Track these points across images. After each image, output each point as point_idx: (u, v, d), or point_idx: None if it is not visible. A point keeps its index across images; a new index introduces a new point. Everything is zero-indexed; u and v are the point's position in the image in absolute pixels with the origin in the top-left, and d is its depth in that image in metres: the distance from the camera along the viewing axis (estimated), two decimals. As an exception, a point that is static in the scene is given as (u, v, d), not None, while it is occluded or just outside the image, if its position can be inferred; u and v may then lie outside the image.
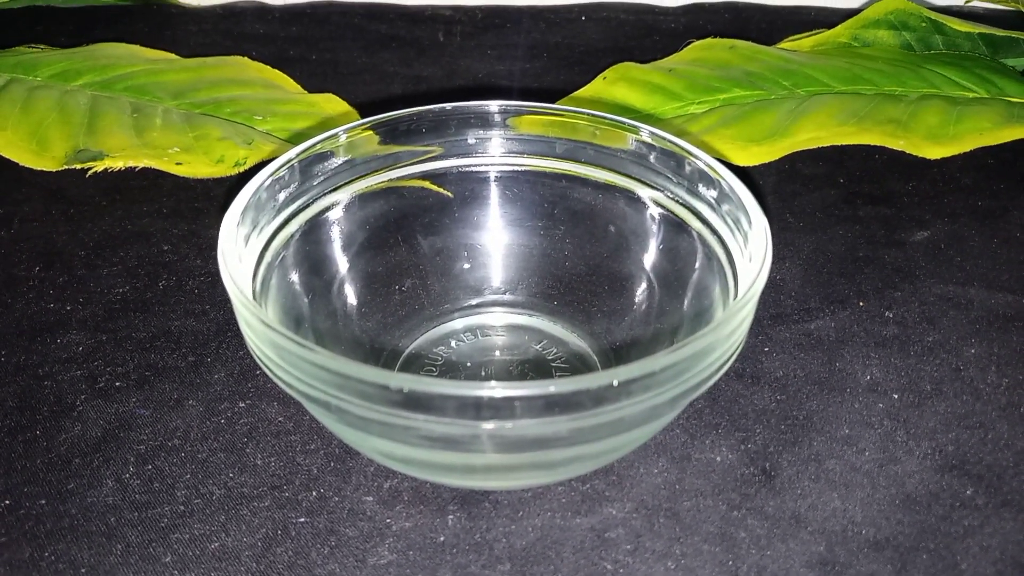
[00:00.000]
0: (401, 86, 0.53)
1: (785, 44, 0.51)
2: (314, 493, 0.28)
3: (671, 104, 0.46)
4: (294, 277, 0.30)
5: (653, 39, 0.57)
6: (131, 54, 0.50)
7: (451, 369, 0.32)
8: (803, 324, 0.35)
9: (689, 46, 0.50)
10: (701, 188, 0.30)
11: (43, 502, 0.28)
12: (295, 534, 0.27)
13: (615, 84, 0.47)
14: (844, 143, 0.39)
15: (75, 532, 0.27)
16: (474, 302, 0.34)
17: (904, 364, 0.33)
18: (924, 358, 0.33)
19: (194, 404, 0.31)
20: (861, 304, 0.36)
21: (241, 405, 0.31)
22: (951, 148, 0.39)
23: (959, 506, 0.28)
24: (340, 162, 0.32)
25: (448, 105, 0.33)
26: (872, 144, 0.40)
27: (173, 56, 0.51)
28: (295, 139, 0.44)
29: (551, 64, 0.55)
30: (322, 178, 0.32)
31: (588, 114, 0.33)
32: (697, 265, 0.31)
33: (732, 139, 0.42)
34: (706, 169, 0.30)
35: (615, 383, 0.21)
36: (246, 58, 0.51)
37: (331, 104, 0.47)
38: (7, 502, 0.28)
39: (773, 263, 0.38)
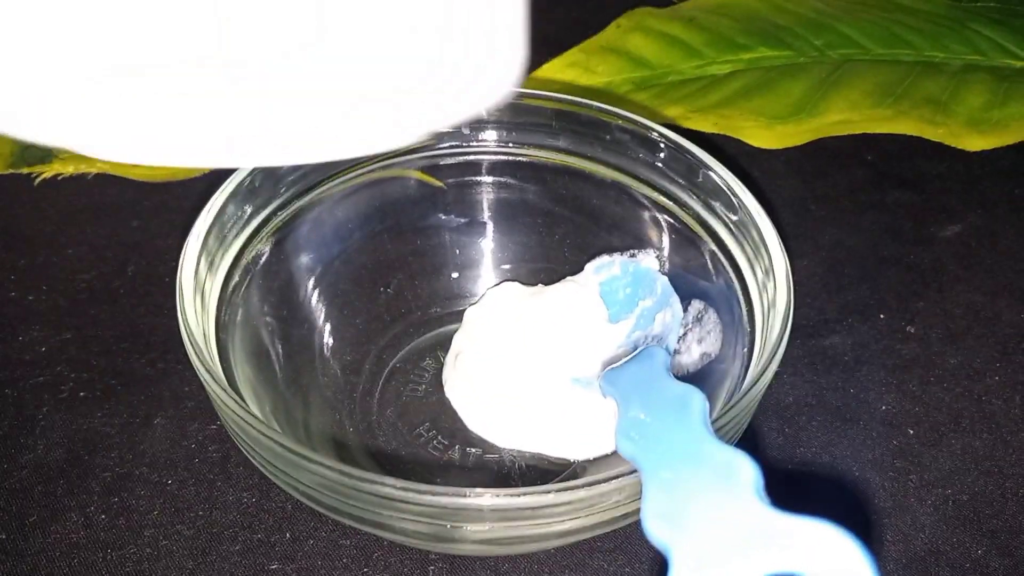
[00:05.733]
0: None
1: (819, -13, 0.46)
2: (288, 535, 0.26)
3: (690, 62, 0.42)
4: (266, 295, 0.28)
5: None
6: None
7: (436, 387, 0.30)
8: (819, 340, 0.32)
9: (714, -13, 0.46)
10: (718, 207, 0.28)
11: (3, 536, 0.26)
12: (267, 582, 0.25)
13: (630, 34, 0.43)
14: (877, 131, 0.36)
15: (36, 574, 0.25)
16: (463, 308, 0.32)
17: (922, 391, 0.31)
18: (944, 384, 0.31)
19: (163, 423, 0.29)
20: (882, 317, 0.33)
21: (212, 428, 0.29)
22: (993, 139, 0.36)
23: (969, 568, 0.26)
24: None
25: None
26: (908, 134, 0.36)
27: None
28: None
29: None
30: (292, 179, 0.28)
31: (597, 108, 0.29)
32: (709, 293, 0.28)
33: (755, 114, 0.38)
34: (727, 193, 0.27)
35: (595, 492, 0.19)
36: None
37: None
38: (-35, 536, 0.26)
39: (791, 261, 0.35)
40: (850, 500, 0.28)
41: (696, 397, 0.18)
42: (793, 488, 0.28)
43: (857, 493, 0.28)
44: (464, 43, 0.13)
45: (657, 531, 0.15)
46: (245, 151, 0.13)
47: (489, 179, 0.31)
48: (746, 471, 0.15)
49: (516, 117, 0.30)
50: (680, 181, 0.28)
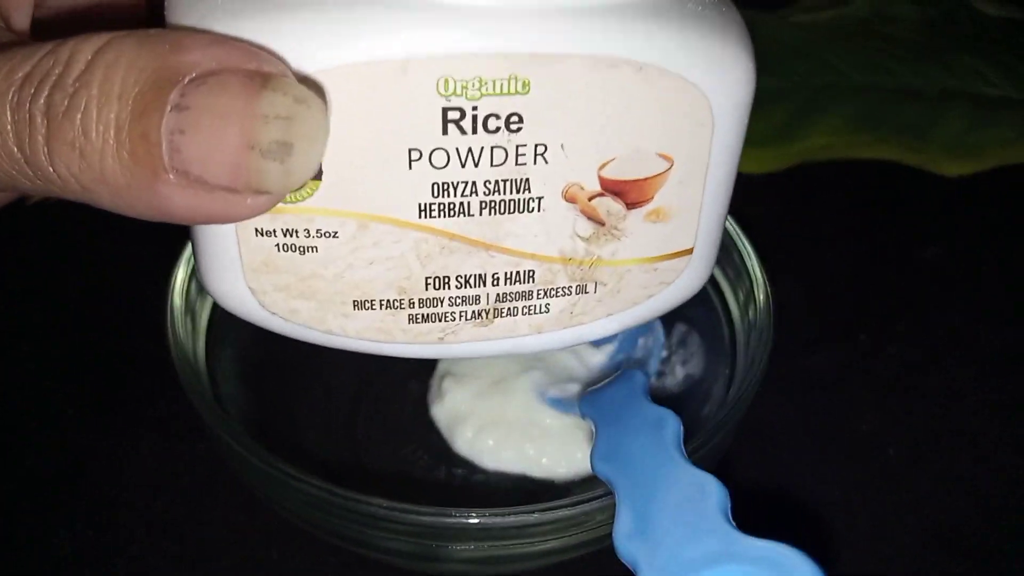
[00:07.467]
0: None
1: (801, 15, 0.47)
2: (274, 553, 0.27)
3: (674, 87, 0.42)
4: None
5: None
6: None
7: (422, 409, 0.30)
8: (800, 360, 0.33)
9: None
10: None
11: (-11, 555, 0.26)
12: (253, 601, 0.25)
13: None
14: (857, 156, 0.37)
15: (22, 593, 0.25)
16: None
17: (902, 412, 0.31)
18: (924, 405, 0.32)
19: (151, 442, 0.29)
20: (862, 337, 0.34)
21: (199, 447, 0.29)
22: (970, 164, 0.37)
23: (948, 588, 0.27)
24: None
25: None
26: (888, 159, 0.37)
27: None
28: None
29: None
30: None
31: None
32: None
33: (738, 138, 0.38)
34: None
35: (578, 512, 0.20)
36: None
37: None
38: (-49, 554, 0.26)
39: (773, 283, 0.35)
40: (831, 520, 0.28)
41: (670, 420, 0.19)
42: (775, 508, 0.28)
43: (838, 513, 0.28)
44: None
45: (626, 549, 0.15)
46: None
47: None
48: (714, 493, 0.16)
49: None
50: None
